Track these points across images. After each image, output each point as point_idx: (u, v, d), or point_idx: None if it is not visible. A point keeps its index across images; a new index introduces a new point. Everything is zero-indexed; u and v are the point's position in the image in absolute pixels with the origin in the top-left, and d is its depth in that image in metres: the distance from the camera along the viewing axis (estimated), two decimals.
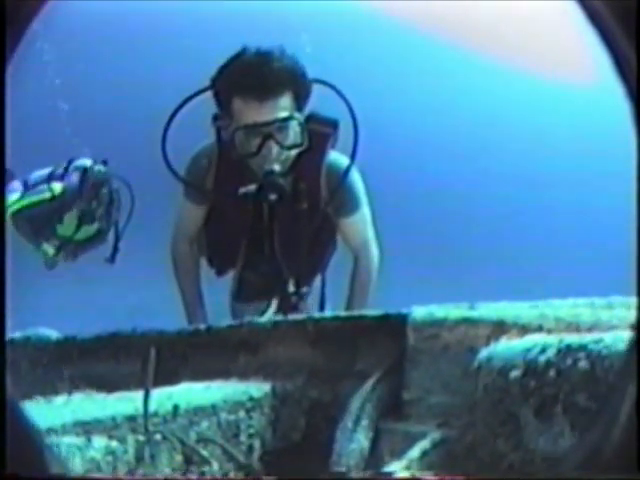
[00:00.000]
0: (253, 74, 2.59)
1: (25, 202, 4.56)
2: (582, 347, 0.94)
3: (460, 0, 6.77)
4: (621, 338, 0.90)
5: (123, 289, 6.34)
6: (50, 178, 4.60)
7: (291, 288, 2.98)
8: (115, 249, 4.89)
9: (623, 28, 0.79)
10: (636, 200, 0.82)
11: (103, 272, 6.39)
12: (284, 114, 2.64)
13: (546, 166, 7.20)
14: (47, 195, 4.55)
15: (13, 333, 2.22)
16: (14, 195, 4.68)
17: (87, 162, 4.64)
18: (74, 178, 4.57)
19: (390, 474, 1.08)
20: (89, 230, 4.74)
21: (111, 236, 4.89)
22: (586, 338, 0.96)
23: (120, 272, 6.31)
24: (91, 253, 6.14)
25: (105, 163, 4.67)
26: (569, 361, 0.94)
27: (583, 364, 0.92)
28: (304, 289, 3.03)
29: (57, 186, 4.57)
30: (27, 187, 4.67)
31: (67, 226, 4.66)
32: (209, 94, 2.79)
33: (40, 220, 4.59)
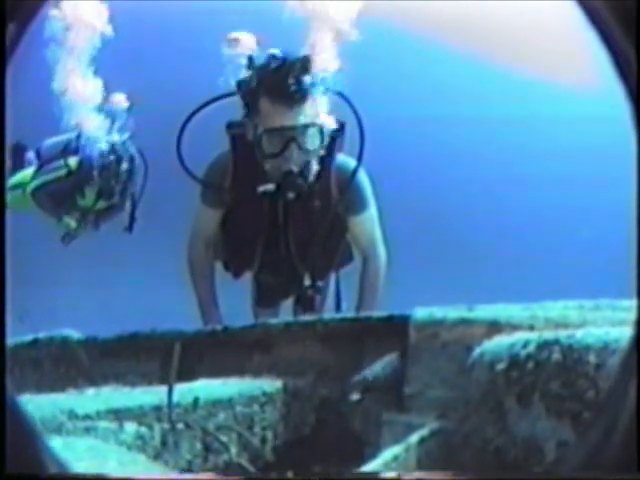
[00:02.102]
0: (283, 80, 2.76)
1: (42, 180, 4.55)
2: (556, 341, 1.06)
3: (464, 0, 6.83)
4: (590, 334, 1.01)
5: (137, 292, 6.46)
6: (65, 151, 4.58)
7: (307, 282, 3.11)
8: (132, 219, 4.85)
9: (623, 28, 0.81)
10: (636, 204, 0.86)
11: (118, 275, 6.52)
12: (308, 120, 2.79)
13: (546, 172, 7.25)
14: (63, 172, 4.55)
15: (35, 334, 2.34)
16: (30, 170, 4.70)
17: (104, 132, 4.59)
18: (90, 151, 4.56)
19: (387, 474, 1.18)
20: (106, 203, 4.74)
21: (128, 206, 4.83)
22: (561, 333, 1.07)
23: (135, 275, 6.44)
24: (105, 258, 6.22)
25: (123, 130, 4.62)
26: (545, 354, 1.05)
27: (556, 356, 1.04)
28: (319, 283, 3.16)
29: (72, 160, 4.57)
30: (41, 160, 4.64)
31: (87, 198, 4.69)
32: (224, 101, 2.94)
33: (60, 195, 4.59)
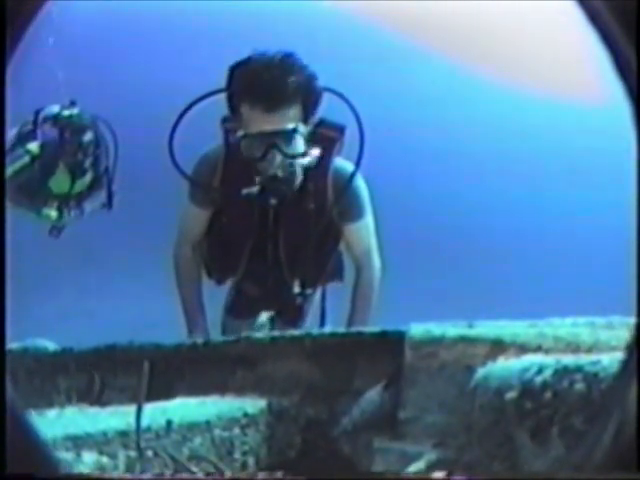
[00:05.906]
0: (265, 83, 2.62)
1: (7, 173, 4.33)
2: (579, 368, 0.92)
3: (466, 4, 6.80)
4: (619, 360, 0.88)
5: (124, 300, 6.33)
6: (22, 139, 4.23)
7: (296, 289, 2.99)
8: (110, 193, 4.44)
9: (623, 28, 0.80)
10: (636, 216, 0.83)
11: (104, 283, 6.40)
12: (290, 125, 2.67)
13: (548, 184, 7.19)
14: (27, 159, 4.21)
15: (13, 343, 2.21)
16: None
17: (55, 109, 4.26)
18: (48, 130, 4.24)
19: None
20: (84, 182, 4.38)
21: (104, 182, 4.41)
22: (583, 359, 0.94)
23: (121, 283, 6.31)
24: (89, 267, 6.05)
25: (73, 104, 4.27)
26: (565, 383, 0.92)
27: (579, 386, 0.90)
28: (309, 290, 3.04)
29: (33, 146, 4.23)
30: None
31: (61, 183, 4.34)
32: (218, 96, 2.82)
33: (31, 185, 4.26)
